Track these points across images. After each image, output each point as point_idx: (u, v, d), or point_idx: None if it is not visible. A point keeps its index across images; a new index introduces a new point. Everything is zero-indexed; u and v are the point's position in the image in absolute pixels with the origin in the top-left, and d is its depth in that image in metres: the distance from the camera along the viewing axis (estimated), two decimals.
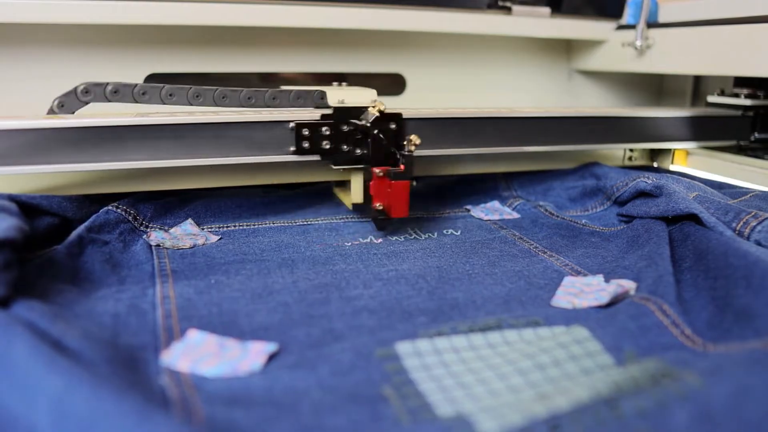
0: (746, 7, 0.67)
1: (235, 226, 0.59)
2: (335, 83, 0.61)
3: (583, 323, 0.39)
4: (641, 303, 0.41)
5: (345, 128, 0.56)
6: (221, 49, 0.71)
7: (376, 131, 0.55)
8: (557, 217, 0.64)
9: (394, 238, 0.57)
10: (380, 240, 0.57)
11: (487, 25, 0.75)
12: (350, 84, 0.65)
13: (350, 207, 0.61)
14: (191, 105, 0.55)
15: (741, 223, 0.51)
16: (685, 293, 0.44)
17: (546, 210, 0.66)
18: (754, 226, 0.50)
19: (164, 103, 0.55)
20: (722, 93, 0.76)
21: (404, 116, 0.57)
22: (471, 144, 0.63)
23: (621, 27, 0.81)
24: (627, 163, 0.79)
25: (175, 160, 0.53)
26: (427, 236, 0.58)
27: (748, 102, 0.72)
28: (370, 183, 0.55)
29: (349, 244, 0.56)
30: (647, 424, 0.28)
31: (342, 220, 0.62)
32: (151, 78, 0.69)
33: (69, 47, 0.66)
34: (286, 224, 0.60)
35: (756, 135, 0.74)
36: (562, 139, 0.67)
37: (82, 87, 0.53)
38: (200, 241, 0.55)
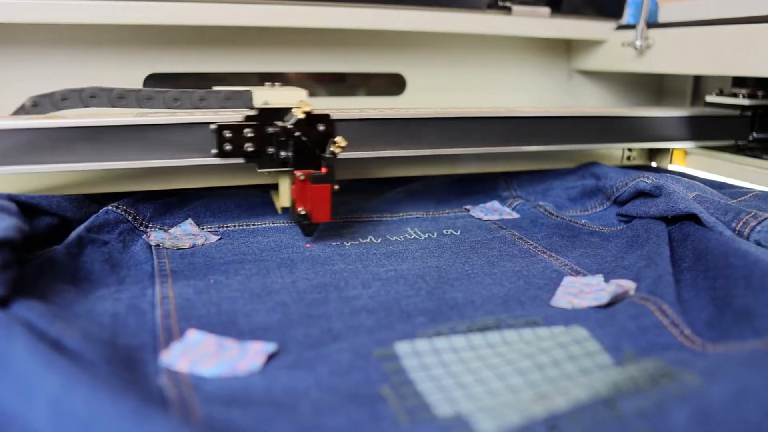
0: (746, 7, 0.67)
1: (234, 226, 0.59)
2: (267, 84, 0.58)
3: (583, 323, 0.39)
4: (641, 303, 0.40)
5: (269, 130, 0.54)
6: (221, 49, 0.71)
7: (298, 133, 0.52)
8: (557, 217, 0.64)
9: (394, 238, 0.57)
10: (379, 240, 0.57)
11: (487, 25, 0.75)
12: (349, 83, 0.64)
13: (279, 211, 0.60)
14: (114, 107, 0.53)
15: (741, 223, 0.51)
16: (684, 293, 0.44)
17: (545, 210, 0.66)
18: (754, 226, 0.50)
19: (85, 106, 0.53)
20: (721, 93, 0.76)
21: (333, 117, 0.55)
22: (467, 144, 0.63)
23: (621, 27, 0.81)
24: (625, 162, 0.79)
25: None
26: (426, 236, 0.58)
27: (746, 102, 0.72)
28: (292, 187, 0.54)
29: (349, 244, 0.56)
30: (646, 424, 0.28)
31: (341, 220, 0.62)
32: (151, 78, 0.69)
33: (69, 47, 0.66)
34: (286, 224, 0.60)
35: (754, 135, 0.74)
36: (560, 139, 0.67)
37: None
38: (200, 241, 0.55)
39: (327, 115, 0.54)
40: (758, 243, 0.49)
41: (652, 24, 0.76)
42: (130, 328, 0.38)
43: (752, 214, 0.51)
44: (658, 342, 0.37)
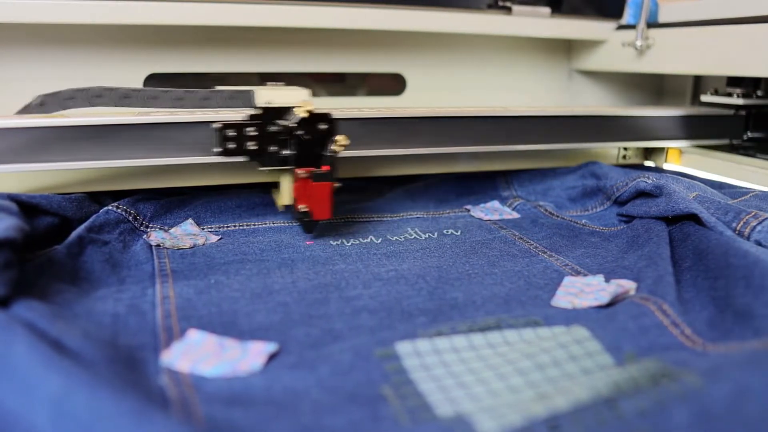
0: (746, 7, 0.67)
1: (234, 226, 0.59)
2: (269, 83, 0.59)
3: (583, 323, 0.39)
4: (641, 303, 0.40)
5: (272, 129, 0.54)
6: (221, 49, 0.71)
7: (300, 132, 0.53)
8: (557, 217, 0.64)
9: (394, 238, 0.57)
10: (380, 240, 0.57)
11: (487, 25, 0.75)
12: (349, 83, 0.65)
13: (281, 209, 0.60)
14: (119, 106, 0.54)
15: (741, 223, 0.51)
16: (685, 293, 0.44)
17: (546, 210, 0.66)
18: (754, 226, 0.50)
19: (91, 105, 0.53)
20: (716, 92, 0.76)
21: (333, 116, 0.55)
22: (464, 143, 0.63)
23: (621, 27, 0.81)
24: (621, 161, 0.79)
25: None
26: (427, 236, 0.58)
27: (740, 101, 0.73)
28: (294, 185, 0.54)
29: (349, 244, 0.56)
30: (647, 424, 0.28)
31: (342, 220, 0.62)
32: (151, 78, 0.69)
33: (69, 47, 0.66)
34: (286, 224, 0.60)
35: (749, 134, 0.75)
36: (556, 138, 0.67)
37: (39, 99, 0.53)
38: (200, 241, 0.55)
39: (328, 114, 0.55)
40: (759, 243, 0.49)
41: (652, 24, 0.76)
42: (130, 328, 0.38)
43: (753, 214, 0.51)
44: (658, 342, 0.37)
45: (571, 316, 0.40)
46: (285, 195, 0.57)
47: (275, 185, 0.61)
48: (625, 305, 0.41)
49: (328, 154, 0.53)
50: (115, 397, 0.27)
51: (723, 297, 0.41)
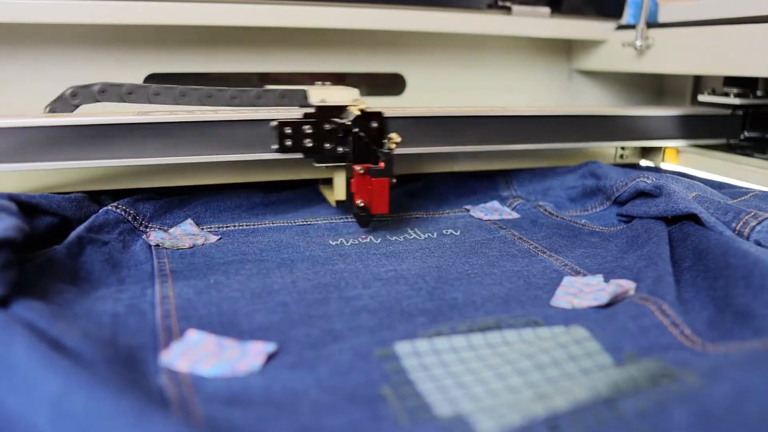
0: (746, 7, 0.67)
1: (234, 226, 0.59)
2: (318, 83, 0.61)
3: (583, 323, 0.39)
4: (641, 303, 0.40)
5: (327, 127, 0.56)
6: (221, 49, 0.71)
7: (356, 129, 0.55)
8: (557, 217, 0.64)
9: (394, 238, 0.57)
10: (380, 240, 0.57)
11: (487, 25, 0.75)
12: (349, 83, 0.65)
13: (334, 204, 0.62)
14: (177, 104, 0.56)
15: (741, 223, 0.51)
16: (684, 293, 0.44)
17: (545, 210, 0.66)
18: (754, 226, 0.50)
19: (150, 103, 0.55)
20: (713, 92, 0.76)
21: (385, 115, 0.57)
22: (463, 142, 0.63)
23: (621, 27, 0.81)
24: (618, 160, 0.79)
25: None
26: (426, 236, 0.58)
27: (737, 101, 0.73)
28: (351, 180, 0.56)
29: (349, 244, 0.56)
30: (647, 424, 0.28)
31: (341, 220, 0.62)
32: (151, 78, 0.69)
33: (69, 47, 0.66)
34: (286, 224, 0.60)
35: (746, 133, 0.75)
36: (554, 138, 0.67)
37: (70, 91, 0.54)
38: (200, 241, 0.55)
39: (380, 113, 0.57)
40: (758, 243, 0.49)
41: (652, 24, 0.76)
42: (130, 328, 0.38)
43: (752, 214, 0.51)
44: (658, 342, 0.37)
45: (570, 316, 0.40)
46: (339, 190, 0.59)
47: (325, 182, 0.63)
48: (624, 305, 0.41)
49: (385, 150, 0.55)
50: (115, 397, 0.27)
51: (723, 297, 0.41)
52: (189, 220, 0.58)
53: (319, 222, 0.61)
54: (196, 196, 0.62)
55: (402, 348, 0.36)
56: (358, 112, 0.55)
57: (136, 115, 0.53)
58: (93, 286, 0.44)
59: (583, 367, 0.34)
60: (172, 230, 0.57)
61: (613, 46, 0.81)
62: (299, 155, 0.57)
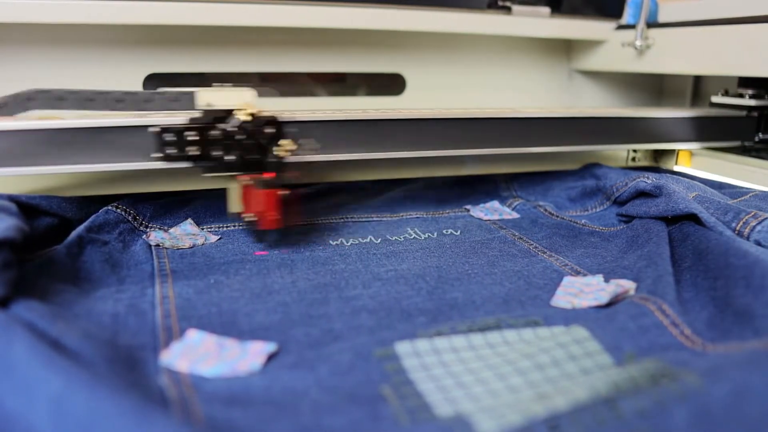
0: (746, 7, 0.67)
1: (234, 226, 0.59)
2: (215, 84, 0.56)
3: (583, 323, 0.39)
4: (641, 303, 0.40)
5: (214, 133, 0.51)
6: (221, 49, 0.71)
7: (240, 136, 0.50)
8: (557, 217, 0.64)
9: (394, 238, 0.57)
10: (380, 240, 0.57)
11: (487, 25, 0.75)
12: (349, 83, 0.64)
13: (230, 216, 0.58)
14: (55, 108, 0.51)
15: (741, 223, 0.51)
16: (684, 293, 0.44)
17: (546, 210, 0.66)
18: (754, 226, 0.50)
19: (26, 109, 0.51)
20: (726, 93, 0.75)
21: (280, 119, 0.53)
22: (469, 146, 0.63)
23: (621, 27, 0.81)
24: (630, 164, 0.79)
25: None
26: (426, 236, 0.58)
27: (752, 102, 0.72)
28: (239, 192, 0.52)
29: (349, 244, 0.56)
30: (646, 424, 0.28)
31: (341, 220, 0.62)
32: (151, 78, 0.69)
33: (69, 47, 0.66)
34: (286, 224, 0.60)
35: (760, 135, 0.74)
36: (564, 140, 0.66)
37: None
38: (200, 241, 0.55)
39: (274, 118, 0.52)
40: (758, 243, 0.49)
41: (652, 24, 0.76)
42: (130, 328, 0.38)
43: (752, 214, 0.51)
44: (658, 342, 0.37)
45: (570, 316, 0.40)
46: (233, 202, 0.54)
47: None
48: (624, 305, 0.41)
49: (272, 159, 0.51)
50: (115, 397, 0.27)
51: (723, 297, 0.41)
52: (189, 220, 0.58)
53: (319, 222, 0.61)
54: (196, 196, 0.62)
55: (402, 348, 0.36)
56: (246, 117, 0.50)
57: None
58: (93, 286, 0.44)
59: (583, 367, 0.35)
60: (172, 230, 0.57)
61: (613, 46, 0.81)
62: (185, 164, 0.52)
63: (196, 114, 0.52)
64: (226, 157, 0.52)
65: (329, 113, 0.57)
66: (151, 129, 0.50)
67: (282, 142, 0.51)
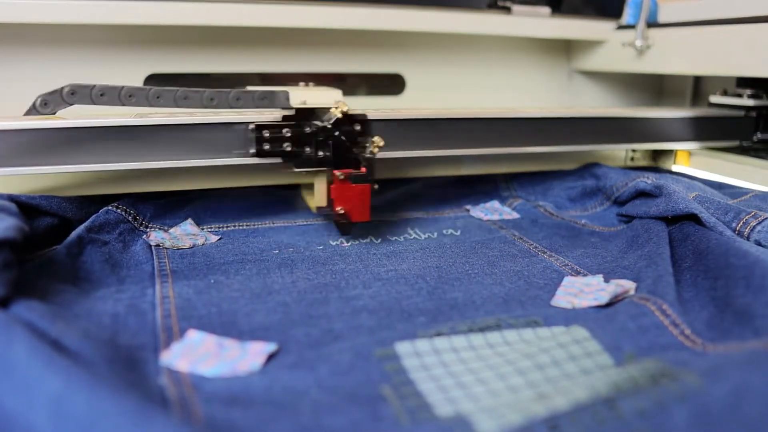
0: (746, 7, 0.67)
1: (234, 226, 0.59)
2: (302, 83, 0.59)
3: (583, 323, 0.39)
4: (641, 303, 0.40)
5: (307, 130, 0.54)
6: (221, 49, 0.71)
7: (337, 133, 0.53)
8: (557, 217, 0.64)
9: (394, 238, 0.57)
10: (380, 240, 0.57)
11: (487, 25, 0.75)
12: (349, 83, 0.64)
13: (314, 210, 0.60)
14: (151, 106, 0.53)
15: (741, 223, 0.51)
16: (684, 293, 0.44)
17: (546, 210, 0.66)
18: (754, 226, 0.50)
19: (123, 104, 0.53)
20: (725, 93, 0.75)
21: (369, 117, 0.55)
22: (467, 145, 0.63)
23: (621, 27, 0.81)
24: (629, 163, 0.79)
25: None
26: (426, 236, 0.58)
27: (751, 102, 0.72)
28: (331, 186, 0.53)
29: (349, 244, 0.56)
30: (646, 424, 0.28)
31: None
32: (151, 78, 0.69)
33: (69, 47, 0.66)
34: (286, 224, 0.60)
35: (759, 135, 0.74)
36: (563, 140, 0.67)
37: (68, 89, 0.52)
38: (200, 241, 0.55)
39: (364, 115, 0.55)
40: (758, 243, 0.49)
41: (652, 24, 0.76)
42: (130, 328, 0.38)
43: (752, 214, 0.51)
44: (658, 342, 0.37)
45: (570, 316, 0.40)
46: (320, 196, 0.57)
47: (307, 187, 0.60)
48: (624, 305, 0.41)
49: (366, 155, 0.53)
50: (115, 397, 0.27)
51: (723, 297, 0.41)
52: (189, 220, 0.58)
53: (319, 222, 0.61)
54: (196, 196, 0.62)
55: (402, 348, 0.36)
56: (340, 115, 0.53)
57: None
58: (93, 286, 0.44)
59: (583, 367, 0.35)
60: (172, 230, 0.57)
61: (613, 46, 0.81)
62: (278, 160, 0.55)
63: (289, 112, 0.54)
64: (318, 153, 0.54)
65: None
66: (249, 125, 0.53)
67: (375, 138, 0.53)
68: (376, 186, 0.53)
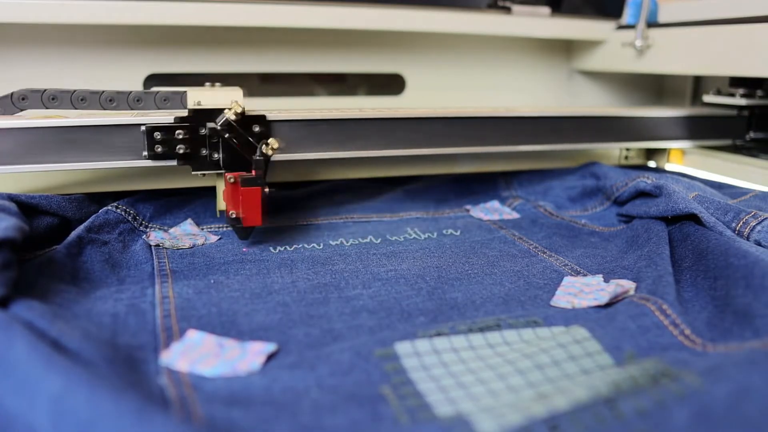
0: (746, 7, 0.67)
1: None
2: (208, 84, 0.57)
3: (583, 323, 0.39)
4: (641, 303, 0.40)
5: (202, 131, 0.53)
6: (221, 49, 0.71)
7: (228, 135, 0.52)
8: (557, 217, 0.64)
9: (394, 238, 0.57)
10: (380, 240, 0.57)
11: (487, 25, 0.75)
12: (349, 83, 0.64)
13: (217, 215, 0.59)
14: (47, 108, 0.52)
15: (741, 223, 0.51)
16: (684, 293, 0.44)
17: (545, 210, 0.66)
18: (754, 226, 0.50)
19: (21, 109, 0.52)
20: (718, 92, 0.76)
21: (270, 118, 0.54)
22: (463, 143, 0.63)
23: (621, 27, 0.81)
24: (623, 162, 0.79)
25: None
26: (426, 236, 0.58)
27: (743, 101, 0.72)
28: (223, 190, 0.52)
29: (349, 244, 0.56)
30: (647, 424, 0.28)
31: (342, 220, 0.62)
32: (151, 78, 0.70)
33: (69, 47, 0.66)
34: (286, 224, 0.60)
35: (751, 134, 0.74)
36: (558, 139, 0.67)
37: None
38: (200, 241, 0.55)
39: (263, 116, 0.53)
40: (758, 243, 0.49)
41: (652, 24, 0.76)
42: (130, 328, 0.38)
43: (752, 214, 0.51)
44: (658, 342, 0.37)
45: (570, 316, 0.40)
46: (220, 200, 0.55)
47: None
48: (624, 305, 0.41)
49: (258, 157, 0.51)
50: (115, 397, 0.27)
51: (723, 297, 0.41)
52: (189, 220, 0.58)
53: (319, 222, 0.61)
54: (196, 196, 0.62)
55: (402, 348, 0.36)
56: (233, 116, 0.51)
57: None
58: (93, 286, 0.44)
59: (583, 366, 0.35)
60: (172, 230, 0.57)
61: (613, 46, 0.81)
62: (172, 162, 0.53)
63: (185, 113, 0.53)
64: (215, 155, 0.53)
65: (319, 112, 0.57)
66: (141, 127, 0.51)
67: (269, 140, 0.52)
68: (267, 189, 0.51)
